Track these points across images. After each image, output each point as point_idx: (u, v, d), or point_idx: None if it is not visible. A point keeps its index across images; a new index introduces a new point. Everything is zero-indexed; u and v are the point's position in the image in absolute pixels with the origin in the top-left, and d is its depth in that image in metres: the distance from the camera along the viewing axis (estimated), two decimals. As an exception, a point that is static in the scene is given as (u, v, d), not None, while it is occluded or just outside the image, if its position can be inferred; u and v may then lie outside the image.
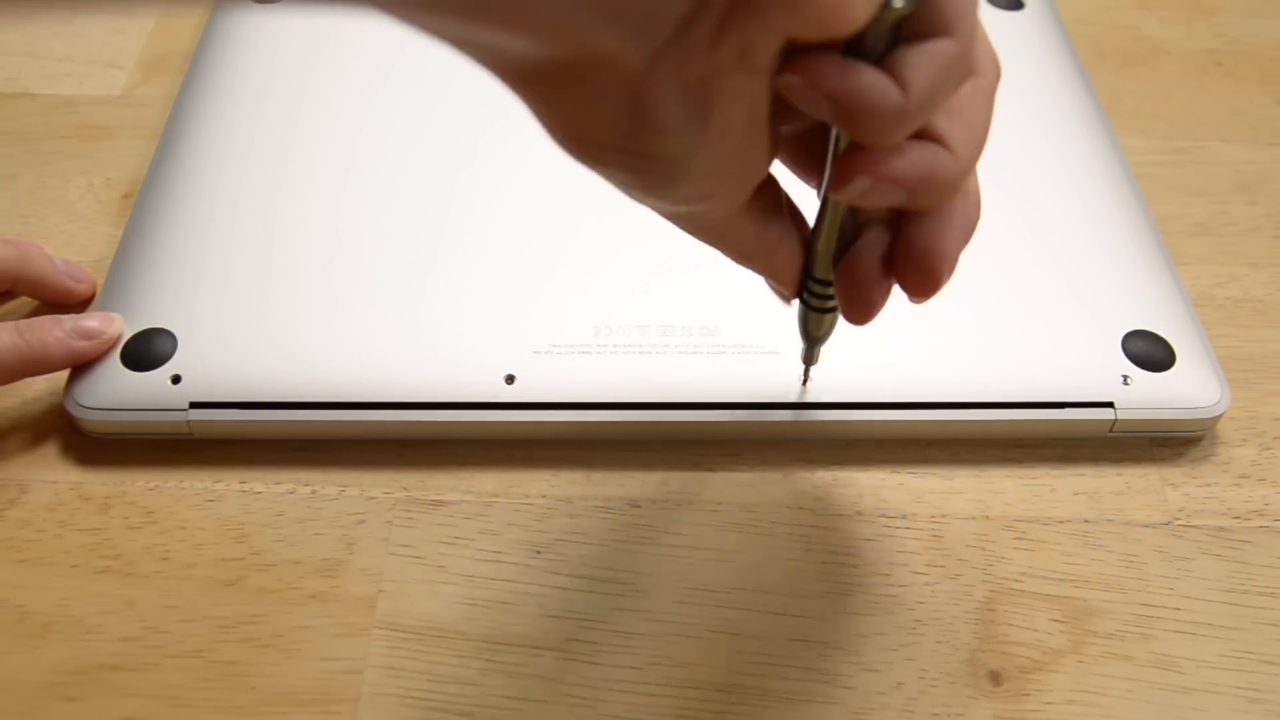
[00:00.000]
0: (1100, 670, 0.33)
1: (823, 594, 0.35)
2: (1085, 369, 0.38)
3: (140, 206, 0.42)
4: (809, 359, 0.35)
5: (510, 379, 0.37)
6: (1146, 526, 0.36)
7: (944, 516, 0.36)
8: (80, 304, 0.40)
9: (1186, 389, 0.38)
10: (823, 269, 0.30)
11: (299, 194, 0.42)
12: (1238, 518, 0.37)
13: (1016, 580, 0.35)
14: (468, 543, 0.35)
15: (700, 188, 0.25)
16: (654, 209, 0.27)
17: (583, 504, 0.36)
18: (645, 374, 0.37)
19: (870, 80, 0.22)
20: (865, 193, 0.25)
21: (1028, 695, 0.33)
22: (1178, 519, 0.37)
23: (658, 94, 0.22)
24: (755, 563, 0.35)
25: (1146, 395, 0.37)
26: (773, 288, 0.31)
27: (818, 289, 0.30)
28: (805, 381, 0.37)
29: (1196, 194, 0.47)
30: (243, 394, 0.36)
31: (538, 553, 0.35)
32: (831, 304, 0.31)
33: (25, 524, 0.35)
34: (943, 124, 0.25)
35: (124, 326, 0.37)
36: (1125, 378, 0.37)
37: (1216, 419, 0.38)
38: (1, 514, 0.35)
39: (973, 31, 0.24)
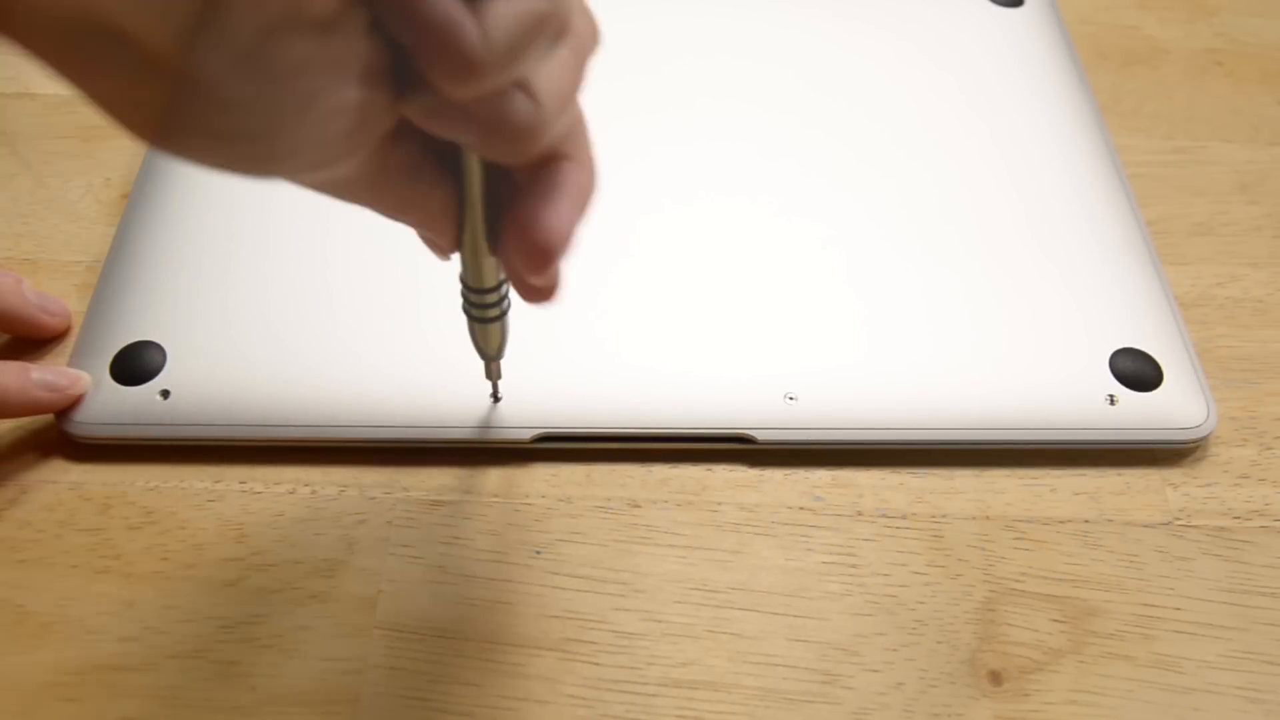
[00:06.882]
0: (1100, 670, 0.33)
1: (823, 594, 0.35)
2: (1071, 390, 0.38)
3: (129, 216, 0.42)
4: (490, 375, 0.35)
5: (496, 398, 0.37)
6: (1147, 526, 0.36)
7: (944, 516, 0.36)
8: (53, 337, 0.39)
9: (1173, 410, 0.38)
10: (475, 276, 0.29)
11: (290, 206, 0.42)
12: (1238, 518, 0.37)
13: (1017, 580, 0.35)
14: (468, 543, 0.35)
15: (307, 158, 0.22)
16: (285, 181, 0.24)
17: (583, 504, 0.36)
18: (638, 396, 0.37)
19: (451, 10, 0.20)
20: (431, 110, 0.23)
21: (1028, 695, 0.33)
22: (1178, 519, 0.37)
23: (210, 69, 0.20)
24: (755, 563, 0.35)
25: (1132, 416, 0.37)
26: (427, 241, 0.29)
27: (475, 298, 0.30)
28: (496, 398, 0.36)
29: (1196, 194, 0.47)
30: (232, 412, 0.36)
31: (538, 553, 0.35)
32: (494, 313, 0.30)
33: (25, 524, 0.35)
34: (528, 70, 0.23)
35: (89, 385, 0.37)
36: (1111, 397, 0.37)
37: (1203, 439, 0.38)
38: (1, 514, 0.35)
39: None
